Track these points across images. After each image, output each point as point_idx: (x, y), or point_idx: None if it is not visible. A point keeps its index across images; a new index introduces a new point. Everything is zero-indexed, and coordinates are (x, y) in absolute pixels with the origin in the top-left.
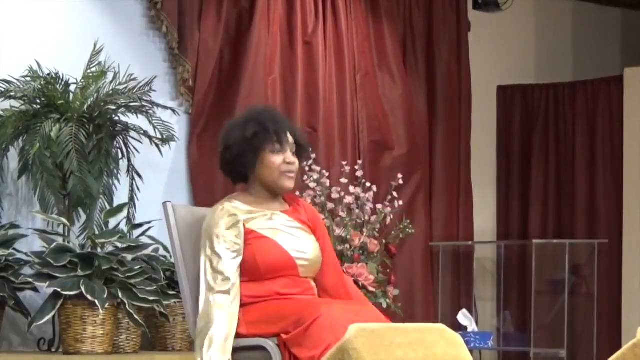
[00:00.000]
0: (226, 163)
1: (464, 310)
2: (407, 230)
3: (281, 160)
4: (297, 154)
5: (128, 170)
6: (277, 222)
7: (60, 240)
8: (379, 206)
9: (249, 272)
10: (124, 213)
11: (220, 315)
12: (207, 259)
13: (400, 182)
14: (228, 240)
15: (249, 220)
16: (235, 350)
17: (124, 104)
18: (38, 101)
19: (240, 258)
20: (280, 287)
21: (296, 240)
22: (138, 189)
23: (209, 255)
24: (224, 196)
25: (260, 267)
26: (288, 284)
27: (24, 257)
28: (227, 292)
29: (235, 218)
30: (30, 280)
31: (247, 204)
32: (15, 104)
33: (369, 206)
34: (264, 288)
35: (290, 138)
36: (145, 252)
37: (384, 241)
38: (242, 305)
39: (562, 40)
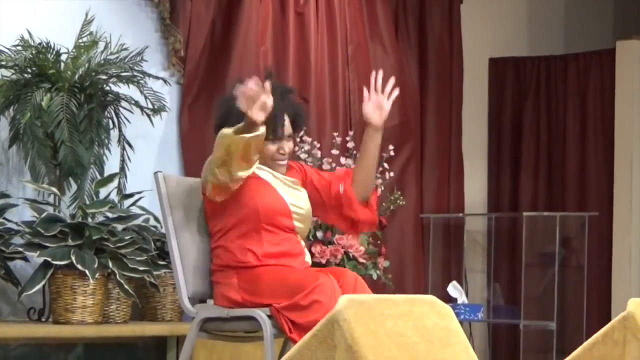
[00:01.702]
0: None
1: (454, 282)
2: (398, 201)
3: (275, 149)
4: (293, 127)
5: (119, 140)
6: (274, 176)
7: (50, 210)
8: None
9: (246, 217)
10: (115, 183)
11: None
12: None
13: (392, 153)
14: None
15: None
16: (226, 320)
17: (115, 74)
18: (29, 70)
19: None
20: (272, 245)
21: (292, 191)
22: (129, 159)
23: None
24: None
25: (259, 211)
26: (281, 240)
27: (14, 227)
28: None
29: None
30: (20, 249)
31: None
32: (6, 73)
33: None
34: (257, 246)
35: (286, 124)
36: (136, 222)
37: None
38: (235, 268)
39: (554, 12)
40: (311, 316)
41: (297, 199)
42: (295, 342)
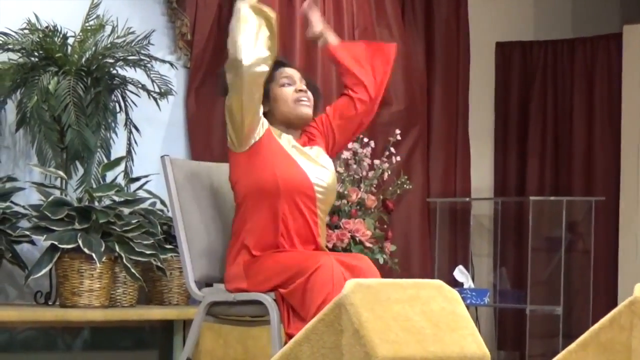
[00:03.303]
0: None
1: (461, 267)
2: (405, 185)
3: (292, 90)
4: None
5: (126, 124)
6: (297, 147)
7: (57, 193)
8: (376, 162)
9: (267, 190)
10: (122, 167)
11: None
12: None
13: (398, 137)
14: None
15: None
16: (232, 304)
17: (122, 58)
18: (36, 54)
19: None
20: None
21: (315, 166)
22: (135, 142)
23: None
24: (221, 151)
25: (279, 184)
26: (297, 227)
27: (21, 210)
28: None
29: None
30: (27, 233)
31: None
32: (13, 56)
33: (366, 162)
34: (270, 235)
35: (293, 70)
36: (143, 205)
37: (381, 197)
38: (244, 261)
39: None
40: (309, 306)
41: (320, 170)
42: (291, 336)
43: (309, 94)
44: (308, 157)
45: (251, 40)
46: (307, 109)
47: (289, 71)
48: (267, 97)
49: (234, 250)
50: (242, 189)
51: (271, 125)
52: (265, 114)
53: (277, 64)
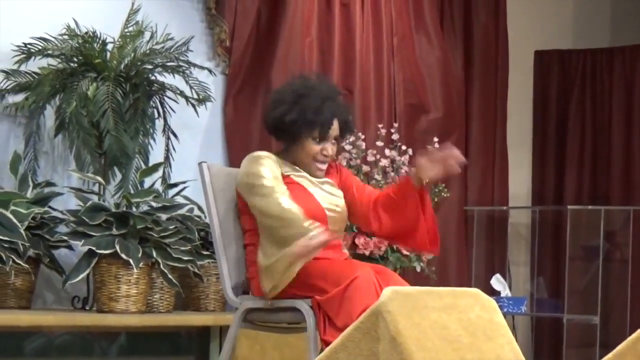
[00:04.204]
0: (264, 120)
1: (498, 275)
2: (443, 194)
3: (318, 150)
4: (341, 134)
5: (164, 130)
6: (307, 178)
7: (95, 198)
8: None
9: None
10: (159, 172)
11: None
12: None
13: (436, 145)
14: (273, 170)
15: (283, 167)
16: (269, 310)
17: (160, 64)
18: (75, 59)
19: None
20: None
21: (326, 194)
22: (173, 148)
23: (258, 190)
24: None
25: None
26: None
27: (59, 215)
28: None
29: (273, 160)
30: (65, 238)
31: (282, 158)
32: (53, 62)
33: (404, 169)
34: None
35: (334, 127)
36: (180, 211)
37: None
38: None
39: (600, 5)
40: (346, 314)
41: (333, 201)
42: (327, 343)
43: (333, 154)
44: (321, 188)
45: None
46: (319, 173)
47: (326, 129)
48: (291, 134)
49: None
50: (253, 222)
51: (287, 152)
52: (283, 144)
53: (317, 114)
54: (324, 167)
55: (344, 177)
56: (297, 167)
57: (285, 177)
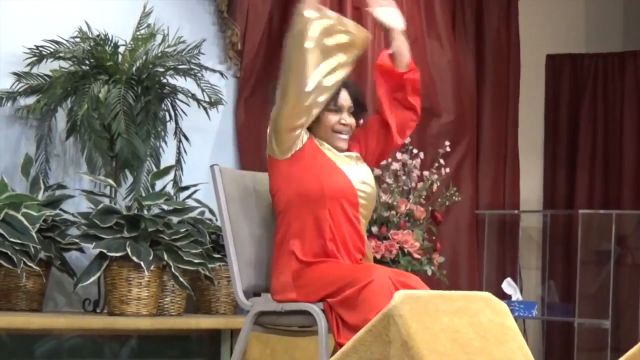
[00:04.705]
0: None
1: (509, 279)
2: (454, 197)
3: (337, 120)
4: (355, 113)
5: (175, 133)
6: (336, 154)
7: (106, 201)
8: (425, 173)
9: (312, 197)
10: (171, 175)
11: None
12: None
13: (447, 149)
14: None
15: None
16: (280, 314)
17: (172, 67)
18: (87, 62)
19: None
20: (330, 240)
21: (356, 169)
22: (185, 151)
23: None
24: None
25: (325, 191)
26: (341, 234)
27: (71, 218)
28: None
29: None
30: (76, 240)
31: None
32: (64, 64)
33: (415, 173)
34: (316, 241)
35: (345, 97)
36: (191, 214)
37: (430, 208)
38: (292, 270)
39: (612, 9)
40: (361, 316)
41: (362, 177)
42: (341, 345)
43: (352, 124)
44: (349, 163)
45: (321, 65)
46: (342, 143)
47: (342, 98)
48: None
49: (281, 259)
50: (284, 197)
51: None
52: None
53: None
54: (346, 137)
55: (362, 137)
56: (324, 143)
57: (312, 144)
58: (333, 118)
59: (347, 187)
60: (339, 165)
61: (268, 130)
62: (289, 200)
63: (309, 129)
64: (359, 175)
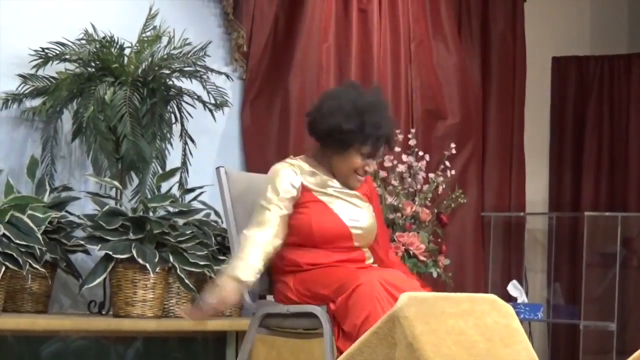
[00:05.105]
0: (314, 123)
1: (514, 282)
2: (459, 199)
3: (361, 165)
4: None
5: (181, 135)
6: (334, 188)
7: (112, 203)
8: (431, 175)
9: (304, 238)
10: (176, 177)
11: (253, 249)
12: (258, 206)
13: (453, 151)
14: (282, 190)
15: (308, 178)
16: (286, 316)
17: (178, 69)
18: (93, 64)
19: (286, 212)
20: (332, 257)
21: (351, 208)
22: (191, 153)
23: (261, 203)
24: (276, 162)
25: (314, 235)
26: (340, 254)
27: (76, 220)
28: (265, 232)
29: (294, 172)
30: (81, 242)
31: (309, 165)
32: (70, 66)
33: (421, 175)
34: (317, 255)
35: (381, 152)
36: (197, 216)
37: (435, 210)
38: (293, 272)
39: (618, 11)
40: (351, 321)
41: (357, 214)
42: (340, 351)
43: (374, 166)
44: (343, 199)
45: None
46: (357, 184)
47: (378, 149)
48: (342, 143)
49: (280, 263)
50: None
51: (319, 157)
52: (324, 149)
53: (374, 129)
54: (363, 179)
55: (370, 194)
56: (330, 174)
57: (306, 191)
58: (359, 162)
59: (339, 228)
60: (331, 207)
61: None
62: (304, 227)
63: (328, 155)
64: (353, 213)
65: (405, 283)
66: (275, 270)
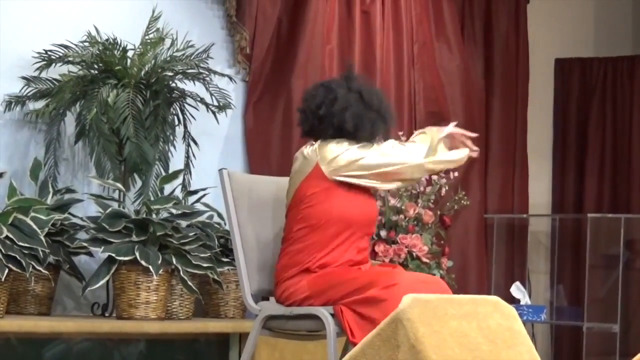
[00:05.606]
0: (317, 112)
1: (517, 283)
2: (462, 201)
3: None
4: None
5: (184, 137)
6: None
7: (115, 205)
8: (434, 177)
9: (339, 223)
10: (180, 179)
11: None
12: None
13: None
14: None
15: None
16: (289, 318)
17: (181, 71)
18: (96, 66)
19: None
20: (352, 253)
21: (362, 197)
22: (194, 155)
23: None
24: (279, 165)
25: (352, 220)
26: (362, 249)
27: (79, 222)
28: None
29: None
30: (85, 244)
31: None
32: (73, 69)
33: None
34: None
35: None
36: (200, 218)
37: (438, 212)
38: (308, 272)
39: (621, 13)
40: (386, 312)
41: (366, 203)
42: (355, 345)
43: None
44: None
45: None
46: None
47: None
48: (371, 135)
49: (290, 264)
50: (316, 211)
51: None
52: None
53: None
54: None
55: None
56: None
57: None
58: None
59: (373, 215)
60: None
61: (338, 151)
62: (310, 225)
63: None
64: (364, 202)
65: (434, 283)
66: (283, 268)
